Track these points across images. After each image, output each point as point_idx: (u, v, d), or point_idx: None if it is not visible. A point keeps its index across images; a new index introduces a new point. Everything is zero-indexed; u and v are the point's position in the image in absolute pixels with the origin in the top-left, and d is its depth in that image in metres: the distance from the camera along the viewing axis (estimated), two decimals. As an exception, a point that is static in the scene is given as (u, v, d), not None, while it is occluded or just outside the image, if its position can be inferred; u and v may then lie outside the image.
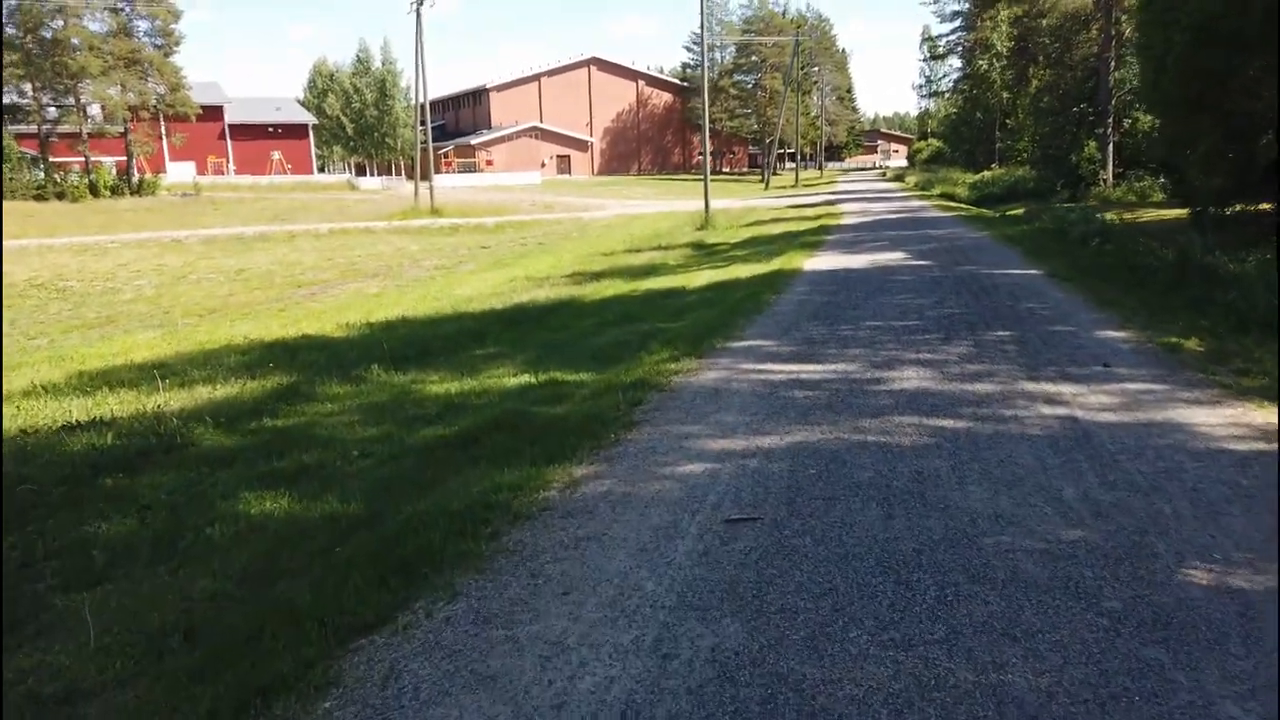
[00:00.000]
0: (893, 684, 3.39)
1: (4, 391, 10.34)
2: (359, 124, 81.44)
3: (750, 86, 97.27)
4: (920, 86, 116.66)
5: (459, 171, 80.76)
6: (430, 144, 53.11)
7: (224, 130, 71.72)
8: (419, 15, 47.29)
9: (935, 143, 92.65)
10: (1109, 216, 24.65)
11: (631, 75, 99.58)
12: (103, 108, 53.77)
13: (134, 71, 53.05)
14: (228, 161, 72.04)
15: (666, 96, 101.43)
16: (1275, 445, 5.95)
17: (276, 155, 74.59)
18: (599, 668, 3.59)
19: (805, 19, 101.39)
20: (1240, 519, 4.82)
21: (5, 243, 28.54)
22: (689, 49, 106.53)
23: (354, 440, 7.58)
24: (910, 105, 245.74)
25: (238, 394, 9.98)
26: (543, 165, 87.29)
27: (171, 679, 3.77)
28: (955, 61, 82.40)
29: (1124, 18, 37.83)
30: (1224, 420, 6.58)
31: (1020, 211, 34.79)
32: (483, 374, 10.19)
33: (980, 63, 66.63)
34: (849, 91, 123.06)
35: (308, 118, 78.14)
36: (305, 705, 3.48)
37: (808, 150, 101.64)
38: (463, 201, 52.30)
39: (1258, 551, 4.44)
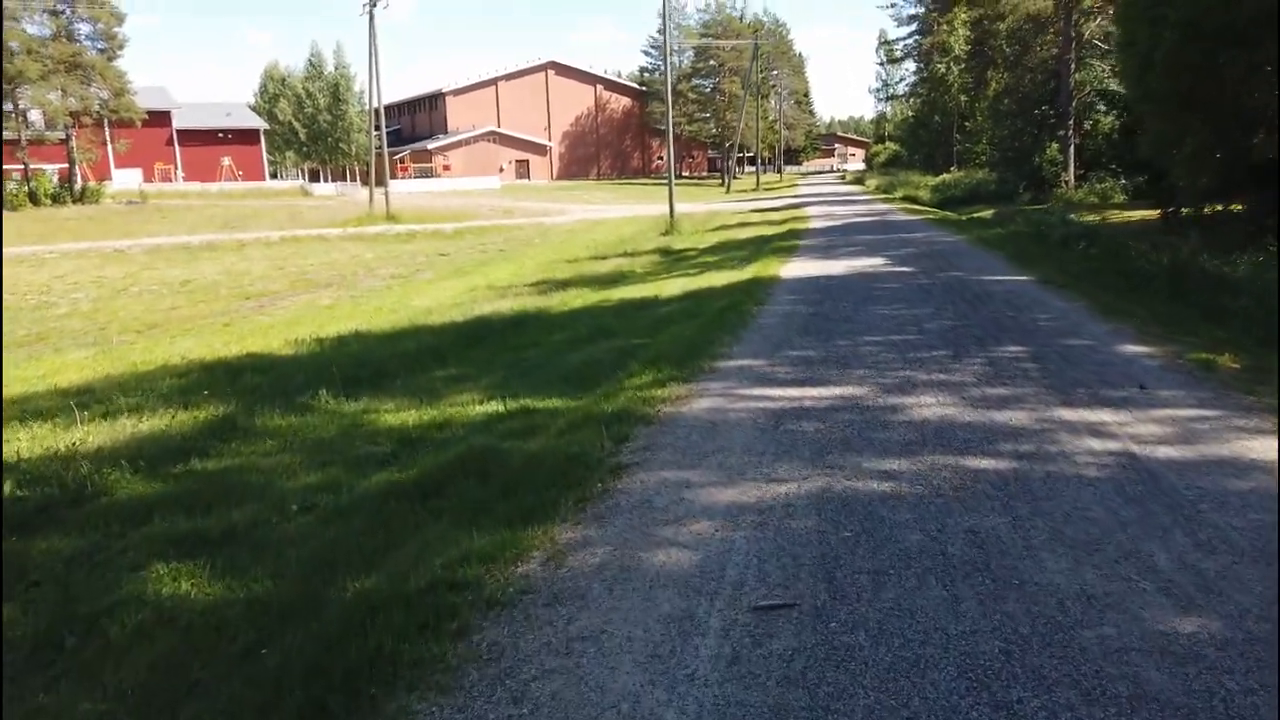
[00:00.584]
0: None
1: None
2: (312, 129, 79.56)
3: (709, 90, 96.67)
4: (877, 90, 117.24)
5: (416, 177, 79.28)
6: (385, 149, 51.71)
7: (172, 136, 69.80)
8: (371, 16, 45.94)
9: (892, 146, 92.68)
10: (1088, 218, 24.09)
11: (590, 79, 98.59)
12: (43, 113, 51.82)
13: (75, 76, 51.11)
14: (176, 168, 70.08)
15: (625, 101, 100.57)
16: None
17: (227, 161, 72.75)
18: None
19: (763, 23, 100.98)
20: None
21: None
22: (647, 53, 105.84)
23: (294, 489, 6.51)
24: (865, 109, 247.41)
25: (166, 428, 8.85)
26: (501, 170, 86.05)
27: None
28: (912, 65, 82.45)
29: (1083, 20, 37.56)
30: (1300, 455, 5.72)
31: (988, 214, 34.32)
32: (444, 400, 9.15)
33: (939, 66, 66.49)
34: (806, 95, 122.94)
35: (259, 123, 76.30)
36: None
37: (766, 154, 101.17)
38: (420, 207, 51.00)
39: None
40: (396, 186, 60.99)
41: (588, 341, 12.26)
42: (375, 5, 45.69)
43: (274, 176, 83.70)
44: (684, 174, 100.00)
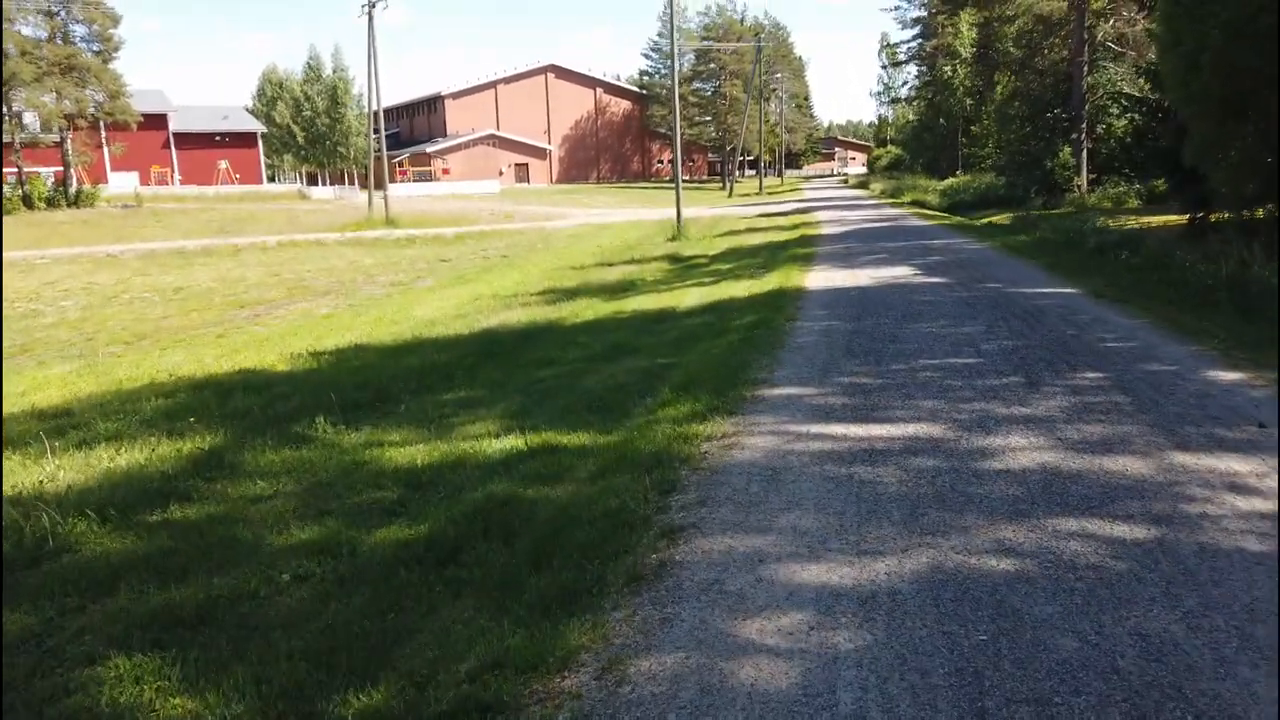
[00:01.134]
0: None
1: None
2: (310, 132, 78.44)
3: (710, 94, 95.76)
4: (879, 94, 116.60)
5: (414, 180, 78.39)
6: (384, 152, 50.77)
7: (168, 139, 68.95)
8: (370, 18, 44.99)
9: (894, 150, 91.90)
10: (1112, 224, 23.16)
11: (590, 83, 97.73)
12: (38, 116, 50.86)
13: (70, 78, 50.22)
14: (172, 171, 69.20)
15: (625, 104, 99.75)
16: None
17: (224, 165, 71.87)
18: None
19: (763, 26, 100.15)
20: None
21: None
22: (647, 56, 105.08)
23: (286, 548, 5.54)
24: (864, 113, 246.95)
25: (145, 463, 7.87)
26: (500, 173, 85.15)
27: None
28: (914, 69, 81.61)
29: (1096, 21, 36.67)
30: None
31: (1004, 219, 33.40)
32: (455, 431, 8.18)
33: (944, 68, 65.66)
34: (806, 99, 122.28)
35: (256, 126, 75.39)
36: None
37: (767, 158, 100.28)
38: (419, 211, 50.06)
39: None
40: (395, 190, 60.07)
41: (606, 359, 11.31)
42: (375, 5, 44.77)
43: (271, 180, 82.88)
44: (685, 178, 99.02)
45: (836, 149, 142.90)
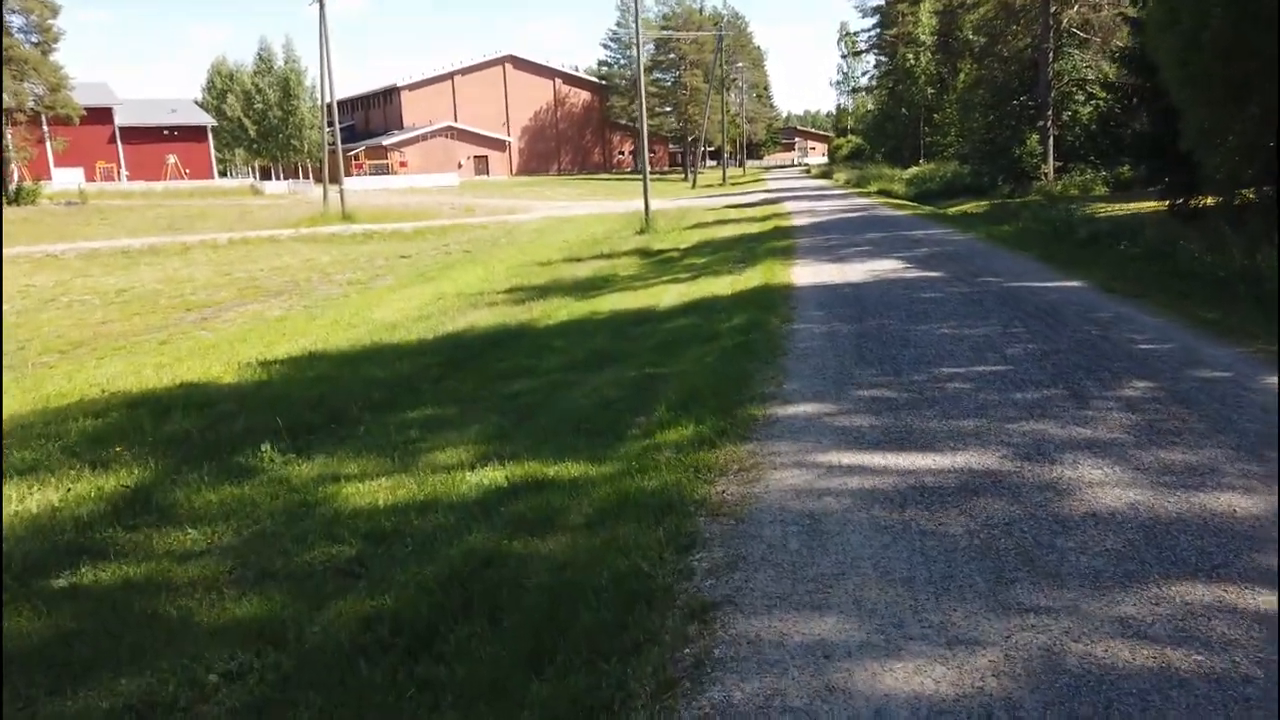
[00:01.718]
0: None
1: None
2: (262, 125, 76.34)
3: (670, 84, 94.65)
4: (839, 83, 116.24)
5: (371, 174, 76.62)
6: (339, 145, 49.19)
7: (114, 134, 66.64)
8: (322, 6, 43.40)
9: (855, 139, 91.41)
10: (1092, 211, 22.49)
11: (548, 74, 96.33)
12: (-29, 110, 48.81)
13: (8, 70, 48.08)
14: (119, 167, 66.98)
15: (585, 95, 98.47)
16: None
17: (173, 159, 69.74)
18: None
19: (722, 16, 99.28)
20: None
21: None
22: (606, 46, 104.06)
23: (218, 629, 4.46)
24: (823, 103, 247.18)
25: (58, 506, 6.74)
26: (460, 166, 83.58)
27: None
28: (874, 58, 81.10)
29: (1061, 8, 36.10)
30: None
31: (978, 208, 32.84)
32: (423, 460, 7.12)
33: (907, 56, 65.17)
34: (766, 89, 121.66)
35: (206, 119, 73.25)
36: None
37: (729, 148, 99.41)
38: (377, 206, 48.60)
39: None
40: (351, 184, 58.43)
41: (588, 368, 10.28)
42: (326, -7, 43.20)
43: (223, 175, 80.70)
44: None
45: (796, 139, 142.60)
